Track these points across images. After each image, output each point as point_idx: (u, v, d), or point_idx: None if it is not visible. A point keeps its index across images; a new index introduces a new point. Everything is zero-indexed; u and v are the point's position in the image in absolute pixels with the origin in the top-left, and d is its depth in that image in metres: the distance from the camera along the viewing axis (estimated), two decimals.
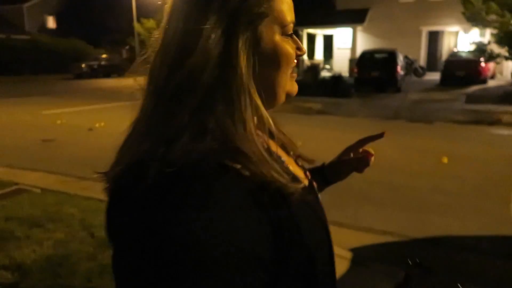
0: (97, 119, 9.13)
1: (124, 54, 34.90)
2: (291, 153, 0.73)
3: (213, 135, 0.52)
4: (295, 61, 0.63)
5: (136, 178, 0.49)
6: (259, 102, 0.57)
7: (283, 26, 0.59)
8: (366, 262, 2.97)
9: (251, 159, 0.52)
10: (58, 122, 9.04)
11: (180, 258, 0.45)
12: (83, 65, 25.14)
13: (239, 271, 0.46)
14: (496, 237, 3.49)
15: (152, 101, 0.56)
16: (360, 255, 3.08)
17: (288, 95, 0.64)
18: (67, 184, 4.68)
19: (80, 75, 24.61)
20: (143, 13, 26.52)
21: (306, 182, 0.69)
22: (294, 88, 0.65)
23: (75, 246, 3.03)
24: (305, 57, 21.45)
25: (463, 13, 10.44)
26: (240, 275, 0.46)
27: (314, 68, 16.98)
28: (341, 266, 2.85)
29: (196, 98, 0.53)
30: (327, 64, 22.60)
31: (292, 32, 0.62)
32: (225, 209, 0.47)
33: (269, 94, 0.60)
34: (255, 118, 0.57)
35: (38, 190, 4.39)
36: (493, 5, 9.64)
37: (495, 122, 9.05)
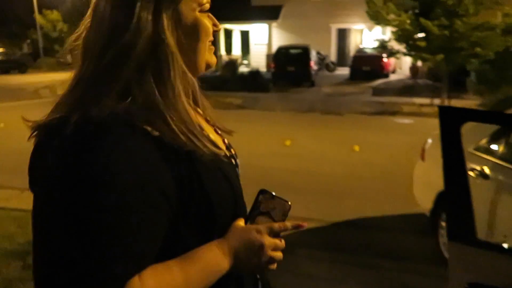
0: None
1: (26, 49, 31.84)
2: (211, 122, 0.83)
3: (135, 100, 0.61)
4: (212, 37, 0.73)
5: (60, 128, 0.59)
6: (185, 68, 0.67)
7: (200, 4, 0.69)
8: (290, 248, 3.08)
9: (167, 123, 0.62)
10: None
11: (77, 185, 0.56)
12: None
13: (146, 201, 0.58)
14: (404, 215, 3.85)
15: (87, 70, 0.63)
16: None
17: (208, 66, 0.74)
18: None
19: None
20: (45, 4, 24.42)
21: (224, 148, 0.78)
22: (213, 59, 0.75)
23: None
24: (223, 52, 21.44)
25: (367, 12, 11.22)
26: (149, 204, 0.58)
27: (233, 64, 17.06)
28: None
29: (127, 71, 0.61)
30: (245, 59, 22.83)
31: (208, 9, 0.71)
32: (120, 156, 0.57)
33: (192, 63, 0.70)
34: (182, 85, 0.66)
35: None
36: (391, 6, 10.51)
37: (397, 112, 10.00)
